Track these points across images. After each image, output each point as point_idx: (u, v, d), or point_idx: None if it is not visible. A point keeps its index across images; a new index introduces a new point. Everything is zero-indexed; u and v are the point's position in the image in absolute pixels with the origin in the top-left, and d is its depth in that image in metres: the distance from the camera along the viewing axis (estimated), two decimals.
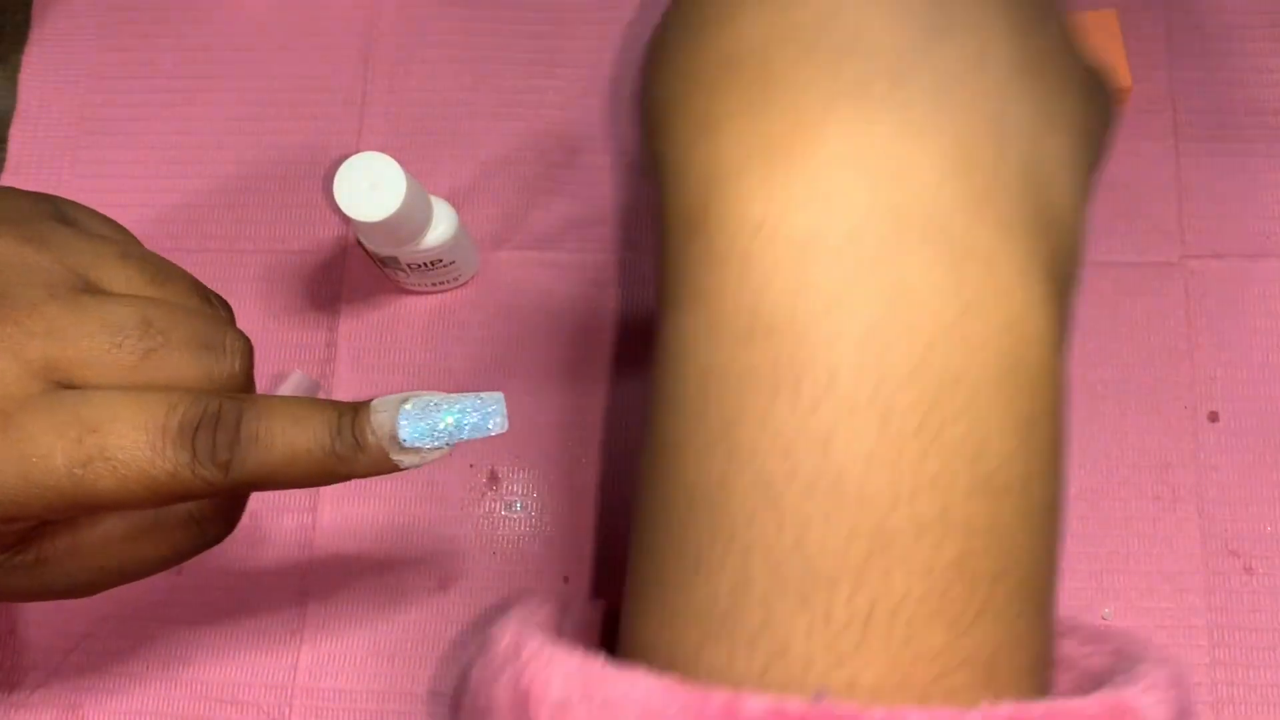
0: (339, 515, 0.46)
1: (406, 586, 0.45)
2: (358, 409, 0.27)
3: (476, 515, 0.46)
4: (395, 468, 0.28)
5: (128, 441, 0.24)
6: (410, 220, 0.41)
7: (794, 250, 0.22)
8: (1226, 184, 0.47)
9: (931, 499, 0.22)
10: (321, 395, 0.47)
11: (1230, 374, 0.45)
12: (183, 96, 0.51)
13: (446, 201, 0.44)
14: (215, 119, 0.51)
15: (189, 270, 0.30)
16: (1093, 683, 0.25)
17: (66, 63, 0.52)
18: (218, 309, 0.30)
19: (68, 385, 0.25)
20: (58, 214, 0.29)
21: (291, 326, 0.48)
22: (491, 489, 0.46)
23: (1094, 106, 0.27)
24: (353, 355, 0.48)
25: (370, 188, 0.39)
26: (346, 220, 0.47)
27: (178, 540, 0.28)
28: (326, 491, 0.46)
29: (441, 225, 0.43)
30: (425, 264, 0.45)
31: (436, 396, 0.28)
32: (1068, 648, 0.27)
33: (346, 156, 0.40)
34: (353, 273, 0.49)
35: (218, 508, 0.29)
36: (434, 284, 0.47)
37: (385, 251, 0.43)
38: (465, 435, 0.28)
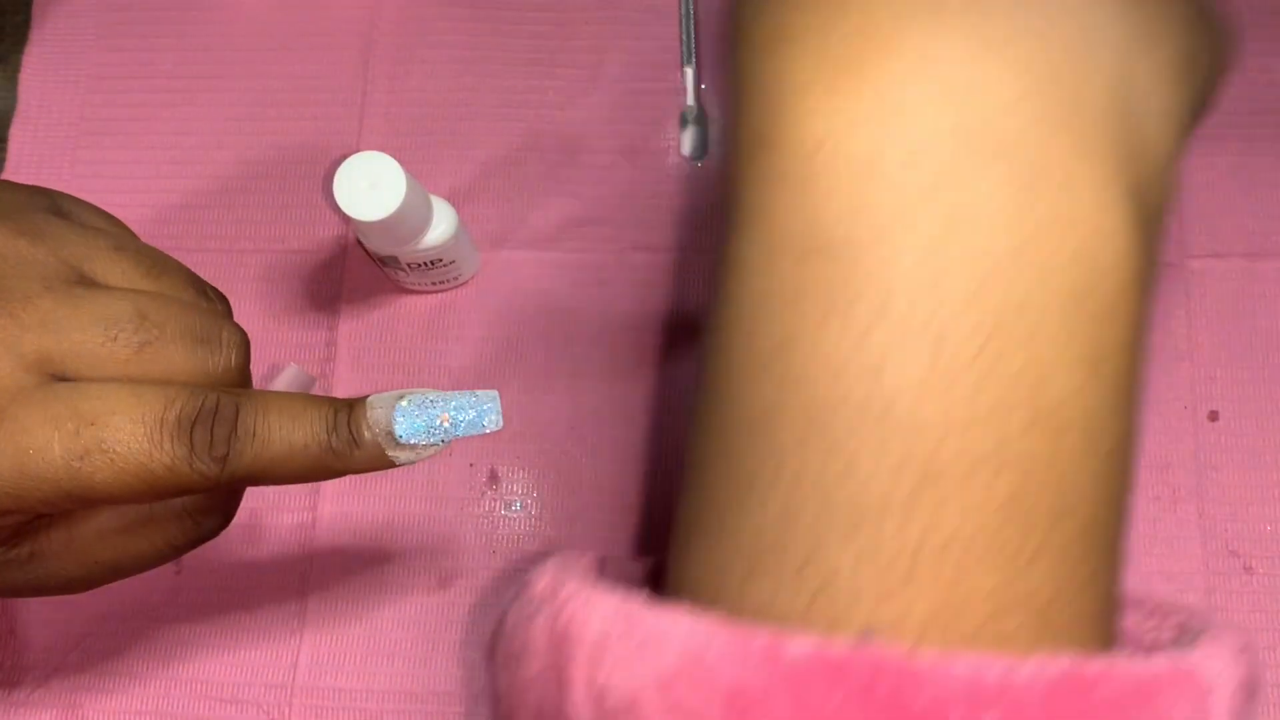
0: (339, 514, 0.46)
1: (406, 585, 0.45)
2: (354, 405, 0.27)
3: (476, 514, 0.46)
4: (391, 464, 0.28)
5: (125, 434, 0.24)
6: (410, 220, 0.41)
7: (854, 169, 0.22)
8: (1226, 184, 0.47)
9: (986, 432, 0.21)
10: (320, 393, 0.47)
11: (1230, 374, 0.45)
12: (183, 96, 0.51)
13: (446, 201, 0.44)
14: (215, 119, 0.51)
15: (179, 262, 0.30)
16: None
17: (66, 63, 0.52)
18: (214, 302, 0.30)
19: (62, 378, 0.25)
20: (53, 207, 0.29)
21: (291, 326, 0.48)
22: (491, 488, 0.46)
23: (1200, 39, 0.25)
24: (352, 354, 0.48)
25: (370, 187, 0.39)
26: (346, 220, 0.47)
27: (172, 534, 0.28)
28: (326, 490, 0.46)
29: (441, 225, 0.43)
30: (425, 263, 0.45)
31: (433, 393, 0.28)
32: (1129, 622, 0.26)
33: (346, 156, 0.40)
34: (352, 272, 0.49)
35: (213, 501, 0.29)
36: (434, 283, 0.47)
37: (385, 251, 0.43)
38: (461, 432, 0.28)
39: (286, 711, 0.44)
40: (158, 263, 0.29)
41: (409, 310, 0.48)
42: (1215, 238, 0.47)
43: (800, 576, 0.21)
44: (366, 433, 0.27)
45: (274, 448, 0.26)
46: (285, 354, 0.48)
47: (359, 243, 0.46)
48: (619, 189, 0.49)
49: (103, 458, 0.24)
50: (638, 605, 0.22)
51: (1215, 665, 0.21)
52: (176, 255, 0.30)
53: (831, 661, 0.20)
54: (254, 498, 0.46)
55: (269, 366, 0.47)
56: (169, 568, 0.46)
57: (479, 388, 0.47)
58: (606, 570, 0.29)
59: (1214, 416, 0.45)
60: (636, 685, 0.21)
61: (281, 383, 0.46)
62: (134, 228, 0.32)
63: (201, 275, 0.30)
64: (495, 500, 0.46)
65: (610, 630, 0.22)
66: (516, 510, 0.46)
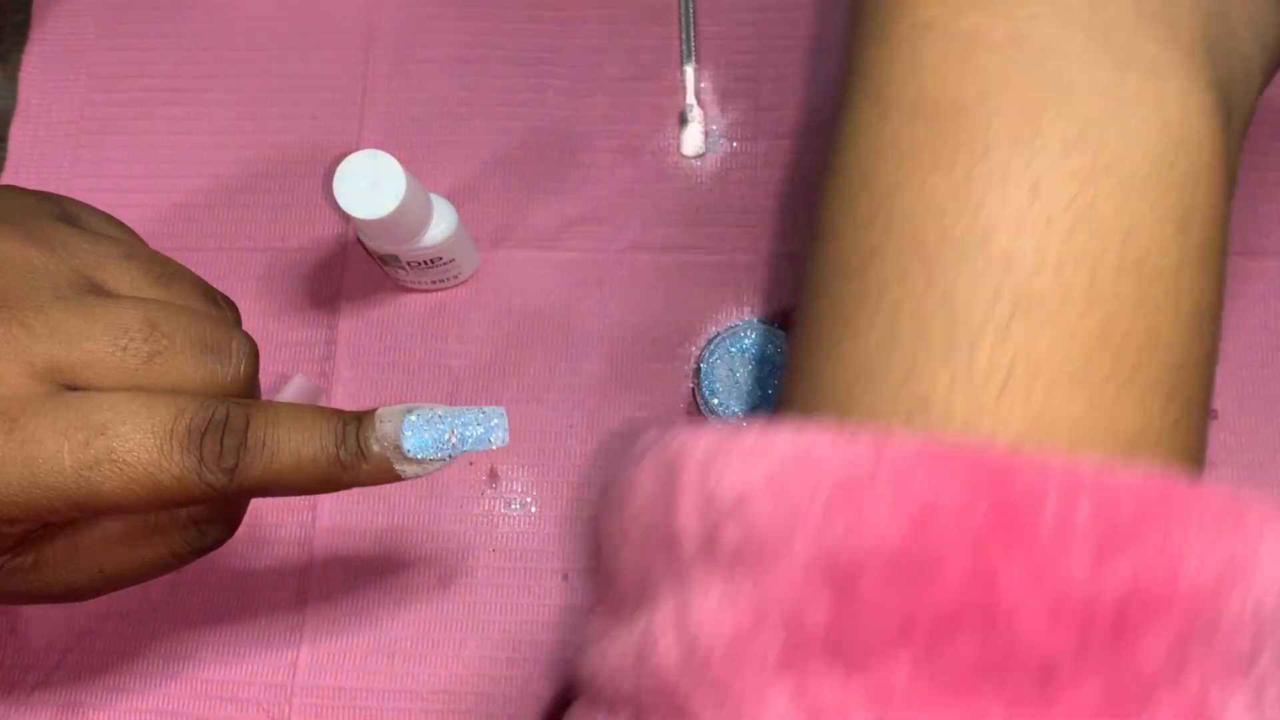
0: (339, 513, 0.46)
1: (406, 584, 0.45)
2: (362, 418, 0.27)
3: (476, 513, 0.46)
4: (397, 477, 0.28)
5: (135, 445, 0.24)
6: (410, 218, 0.41)
7: (960, 44, 0.24)
8: None
9: (1077, 270, 0.23)
10: (320, 391, 0.48)
11: (1230, 374, 0.45)
12: (183, 96, 0.51)
13: (446, 200, 0.44)
14: (215, 119, 0.51)
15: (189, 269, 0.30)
16: None
17: (66, 62, 0.52)
18: (224, 310, 0.30)
19: (72, 387, 0.25)
20: (62, 213, 0.29)
21: (291, 325, 0.48)
22: (491, 487, 0.46)
23: None
24: (353, 353, 0.48)
25: (370, 186, 0.40)
26: (346, 218, 0.47)
27: (176, 543, 0.28)
28: None
29: (441, 223, 0.43)
30: (425, 262, 0.45)
31: (441, 408, 0.28)
32: None
33: (346, 156, 0.40)
34: (352, 271, 0.49)
35: (217, 512, 0.29)
36: (434, 282, 0.47)
37: (385, 249, 0.43)
38: (468, 448, 0.28)
39: (286, 710, 0.44)
40: (167, 270, 0.29)
41: (409, 309, 0.48)
42: None
43: (897, 395, 0.23)
44: (375, 446, 0.27)
45: (283, 459, 0.26)
46: (285, 352, 0.48)
47: (359, 241, 0.46)
48: (619, 189, 0.49)
49: (112, 468, 0.24)
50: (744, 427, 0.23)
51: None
52: (177, 255, 0.31)
53: (934, 453, 0.21)
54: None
55: (274, 375, 0.47)
56: None
57: (479, 385, 0.47)
58: None
59: (1213, 415, 0.45)
60: (745, 483, 0.22)
61: (289, 393, 0.46)
62: (134, 227, 0.32)
63: (202, 275, 0.30)
64: (495, 499, 0.46)
65: (719, 444, 0.23)
66: (516, 509, 0.46)
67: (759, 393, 0.45)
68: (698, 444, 0.23)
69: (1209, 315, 0.25)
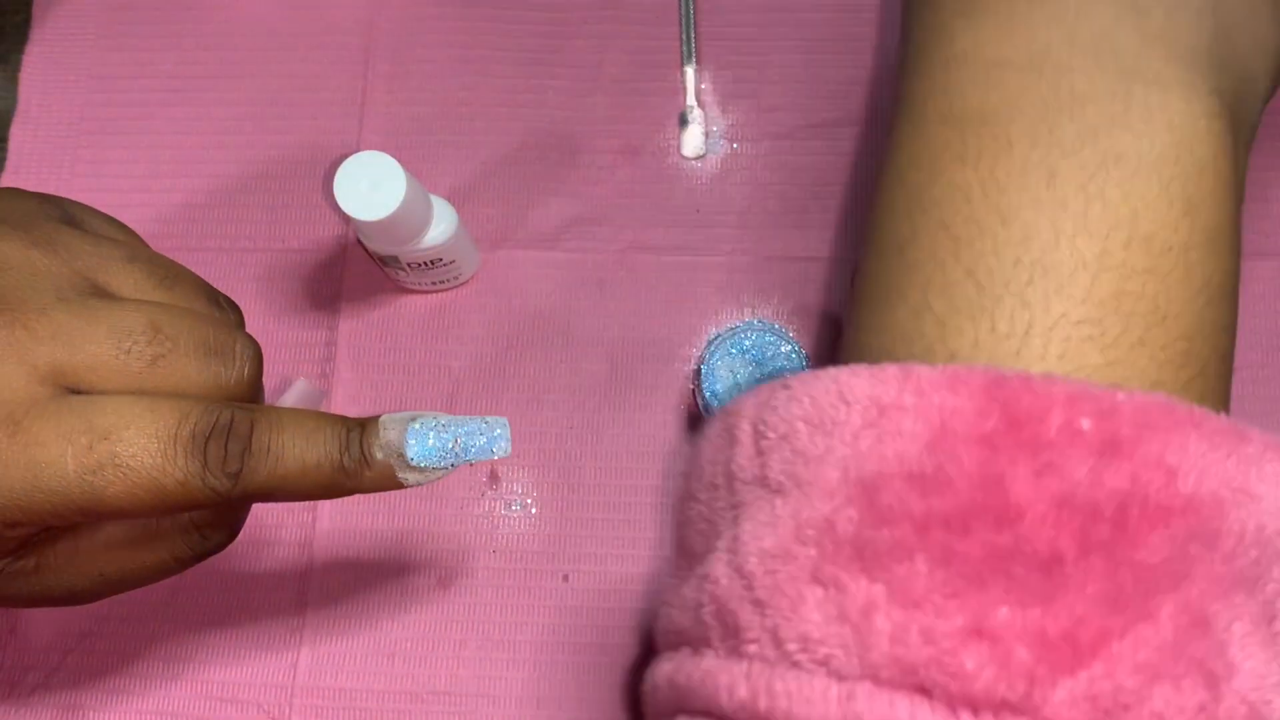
0: (339, 515, 0.46)
1: (406, 585, 0.45)
2: (365, 425, 0.27)
3: (476, 514, 0.46)
4: (400, 485, 0.28)
5: (139, 449, 0.24)
6: (410, 219, 0.41)
7: (985, 69, 0.28)
8: None
9: (1090, 242, 0.25)
10: (323, 395, 0.47)
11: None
12: (183, 96, 0.51)
13: (446, 200, 0.44)
14: (215, 119, 0.51)
15: (192, 271, 0.30)
16: None
17: (66, 63, 0.52)
18: (227, 313, 0.30)
19: (76, 390, 0.25)
20: (64, 216, 0.29)
21: (291, 326, 0.48)
22: (491, 488, 0.46)
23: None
24: (353, 354, 0.48)
25: (370, 187, 0.39)
26: (346, 219, 0.47)
27: (177, 548, 0.28)
28: None
29: (441, 224, 0.43)
30: (425, 263, 0.45)
31: (444, 417, 0.28)
32: None
33: (346, 156, 0.40)
34: (352, 272, 0.49)
35: (220, 516, 0.29)
36: (434, 283, 0.47)
37: (385, 250, 0.43)
38: (470, 457, 0.28)
39: (287, 711, 0.44)
40: (170, 273, 0.29)
41: (409, 310, 0.48)
42: None
43: (930, 354, 0.26)
44: (378, 453, 0.27)
45: (287, 465, 0.26)
46: (285, 353, 0.48)
47: (359, 242, 0.46)
48: (619, 189, 0.49)
49: (115, 472, 0.24)
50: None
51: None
52: (176, 255, 0.31)
53: (955, 374, 0.23)
54: None
55: (271, 366, 0.47)
56: None
57: (479, 385, 0.47)
58: None
59: None
60: (789, 416, 0.25)
61: (291, 397, 0.46)
62: (134, 227, 0.32)
63: (201, 275, 0.30)
64: (495, 500, 0.46)
65: (770, 393, 0.26)
66: (516, 510, 0.46)
67: None
68: (753, 394, 0.26)
69: (1220, 292, 0.27)
